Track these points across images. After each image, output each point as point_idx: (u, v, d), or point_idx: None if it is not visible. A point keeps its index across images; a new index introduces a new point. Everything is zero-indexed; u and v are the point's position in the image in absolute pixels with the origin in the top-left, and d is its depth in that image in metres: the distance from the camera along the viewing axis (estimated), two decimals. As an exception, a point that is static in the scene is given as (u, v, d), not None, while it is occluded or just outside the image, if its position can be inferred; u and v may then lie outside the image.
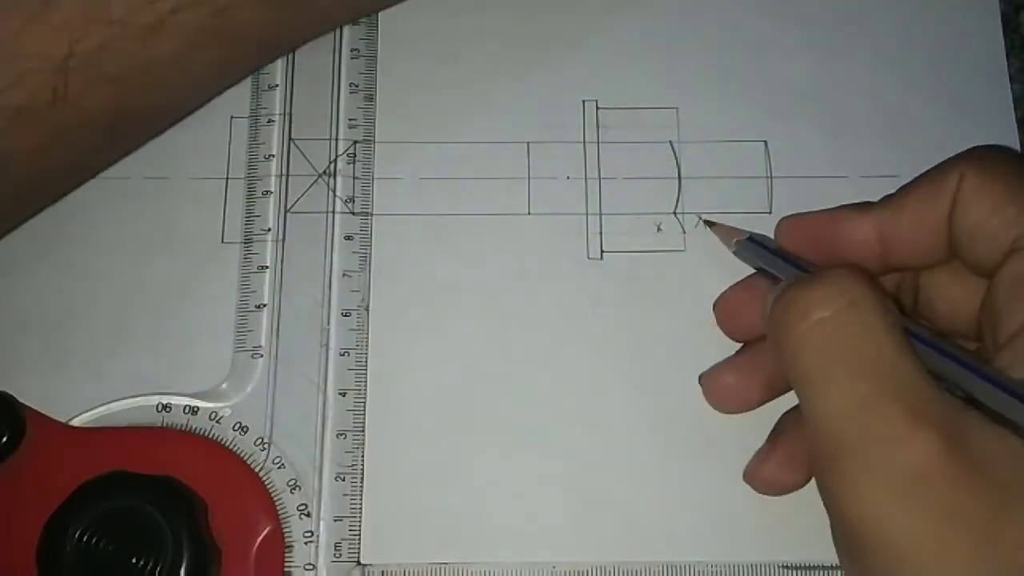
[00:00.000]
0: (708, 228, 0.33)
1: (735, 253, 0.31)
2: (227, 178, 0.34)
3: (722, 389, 0.30)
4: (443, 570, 0.31)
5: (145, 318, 0.33)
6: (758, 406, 0.30)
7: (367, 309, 0.33)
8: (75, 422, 0.31)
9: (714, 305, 0.31)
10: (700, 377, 0.31)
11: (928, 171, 0.28)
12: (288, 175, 0.34)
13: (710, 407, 0.31)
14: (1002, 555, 0.22)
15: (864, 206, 0.29)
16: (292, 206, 0.34)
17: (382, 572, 0.31)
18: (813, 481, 0.30)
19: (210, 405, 0.32)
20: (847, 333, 0.24)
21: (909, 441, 0.22)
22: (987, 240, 0.26)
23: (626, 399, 0.32)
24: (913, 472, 0.22)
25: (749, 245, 0.31)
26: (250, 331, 0.32)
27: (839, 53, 0.35)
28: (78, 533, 0.29)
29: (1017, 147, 0.34)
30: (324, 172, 0.34)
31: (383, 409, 0.32)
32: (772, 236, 0.31)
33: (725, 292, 0.31)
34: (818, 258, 0.29)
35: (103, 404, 0.32)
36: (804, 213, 0.30)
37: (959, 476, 0.22)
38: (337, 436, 0.32)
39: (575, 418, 0.32)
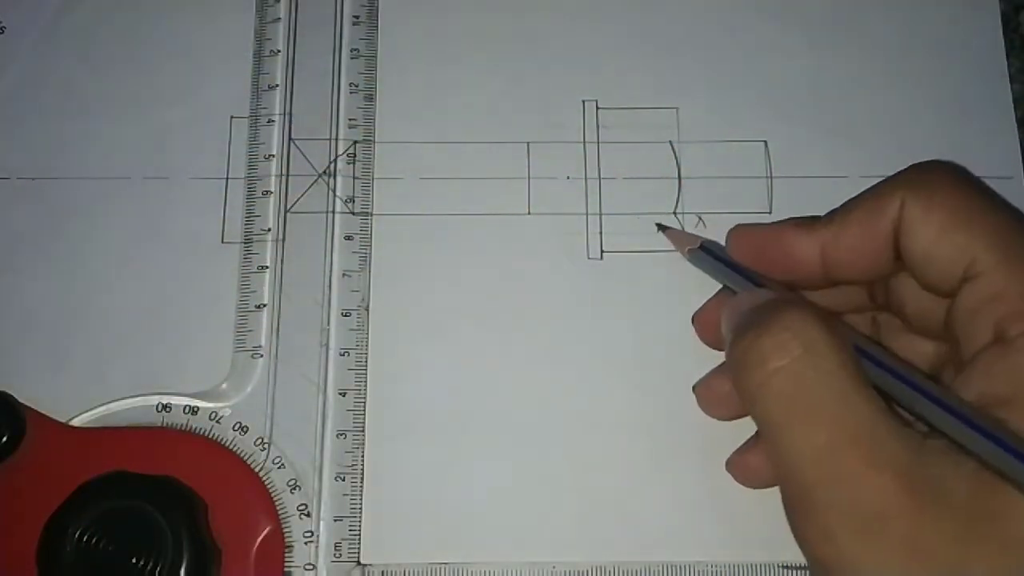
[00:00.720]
0: (661, 232, 0.33)
1: (688, 260, 0.31)
2: (227, 178, 0.34)
3: (716, 397, 0.30)
4: (443, 570, 0.31)
5: (145, 318, 0.33)
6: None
7: (367, 309, 0.33)
8: (75, 422, 0.31)
9: (692, 319, 0.31)
10: (694, 387, 0.31)
11: (867, 192, 0.27)
12: (288, 175, 0.34)
13: (710, 407, 0.31)
14: None
15: (808, 223, 0.28)
16: (292, 206, 0.34)
17: (382, 572, 0.31)
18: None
19: (210, 405, 0.32)
20: (803, 380, 0.24)
21: (867, 483, 0.23)
22: (937, 268, 0.26)
23: (626, 399, 0.32)
24: (874, 512, 0.23)
25: (700, 254, 0.31)
26: (250, 331, 0.32)
27: (839, 53, 0.35)
28: (78, 533, 0.29)
29: (1017, 147, 0.34)
30: (324, 172, 0.34)
31: (383, 409, 0.32)
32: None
33: (702, 306, 0.31)
34: (765, 270, 0.29)
35: (103, 404, 0.32)
36: (752, 225, 0.30)
37: (921, 509, 0.22)
38: (337, 436, 0.32)
39: (575, 418, 0.32)
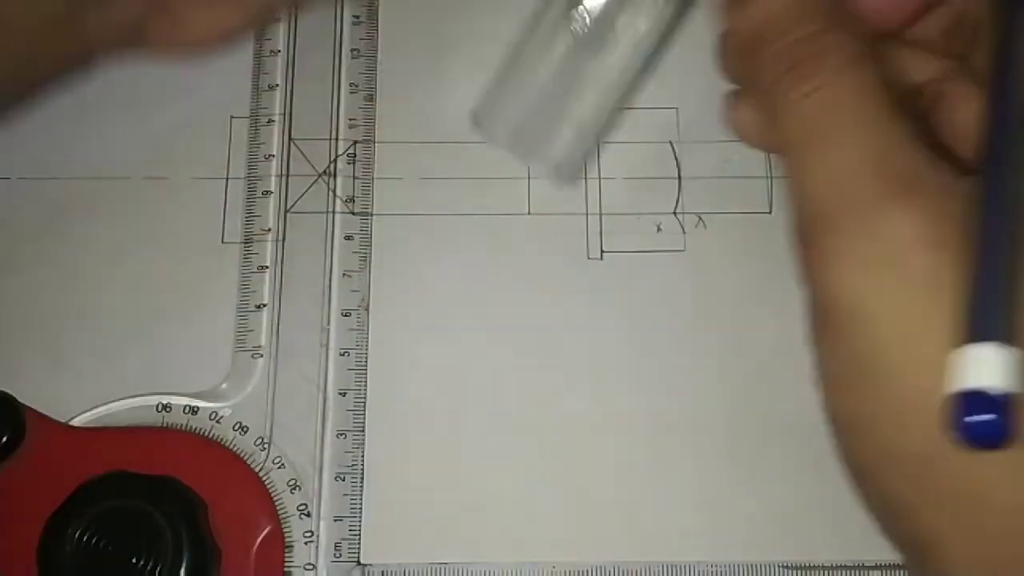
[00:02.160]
0: None
1: None
2: (227, 178, 0.34)
3: (738, 115, 0.27)
4: (443, 570, 0.31)
5: (145, 318, 0.33)
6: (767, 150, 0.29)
7: (367, 309, 0.33)
8: (75, 422, 0.31)
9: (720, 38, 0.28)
10: (724, 95, 0.28)
11: None
12: (288, 175, 0.34)
13: (710, 407, 0.31)
14: None
15: None
16: (292, 206, 0.34)
17: (382, 572, 0.31)
18: (811, 483, 0.30)
19: (210, 405, 0.32)
20: (839, 95, 0.22)
21: (893, 210, 0.21)
22: None
23: (626, 399, 0.32)
24: (896, 241, 0.21)
25: None
26: (250, 331, 0.32)
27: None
28: (78, 533, 0.29)
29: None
30: (324, 172, 0.34)
31: (383, 409, 0.32)
32: (773, 234, 0.31)
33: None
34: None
35: (103, 404, 0.32)
36: None
37: (945, 245, 0.21)
38: (337, 436, 0.32)
39: (575, 418, 0.32)
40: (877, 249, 0.21)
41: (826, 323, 0.22)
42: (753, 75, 0.25)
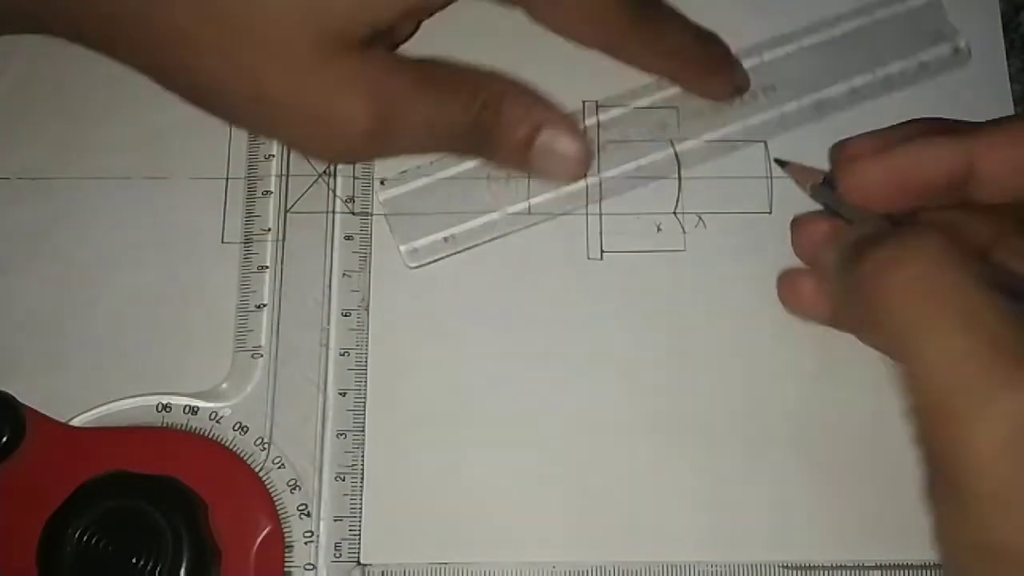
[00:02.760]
0: (781, 168, 0.32)
1: (811, 196, 0.30)
2: (227, 178, 0.34)
3: (797, 290, 0.30)
4: (443, 570, 0.31)
5: (145, 318, 0.33)
6: (822, 323, 0.30)
7: (367, 309, 0.33)
8: (75, 422, 0.31)
9: (792, 224, 0.31)
10: (781, 274, 0.31)
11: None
12: (288, 175, 0.34)
13: (710, 407, 0.31)
14: None
15: (951, 130, 0.27)
16: (292, 206, 0.34)
17: (382, 572, 0.31)
18: (811, 483, 0.30)
19: (210, 405, 0.32)
20: (939, 288, 0.23)
21: (1018, 385, 0.22)
22: None
23: (626, 399, 0.32)
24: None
25: (824, 189, 0.29)
26: (250, 331, 0.32)
27: (839, 53, 0.35)
28: (78, 533, 0.29)
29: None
30: (324, 172, 0.34)
31: (383, 409, 0.32)
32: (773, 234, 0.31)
33: (805, 217, 0.30)
34: (905, 188, 0.27)
35: (103, 404, 0.32)
36: (873, 141, 0.28)
37: None
38: (337, 436, 0.32)
39: (575, 418, 0.32)
40: (1008, 422, 0.22)
41: (952, 496, 0.23)
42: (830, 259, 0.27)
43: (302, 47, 0.28)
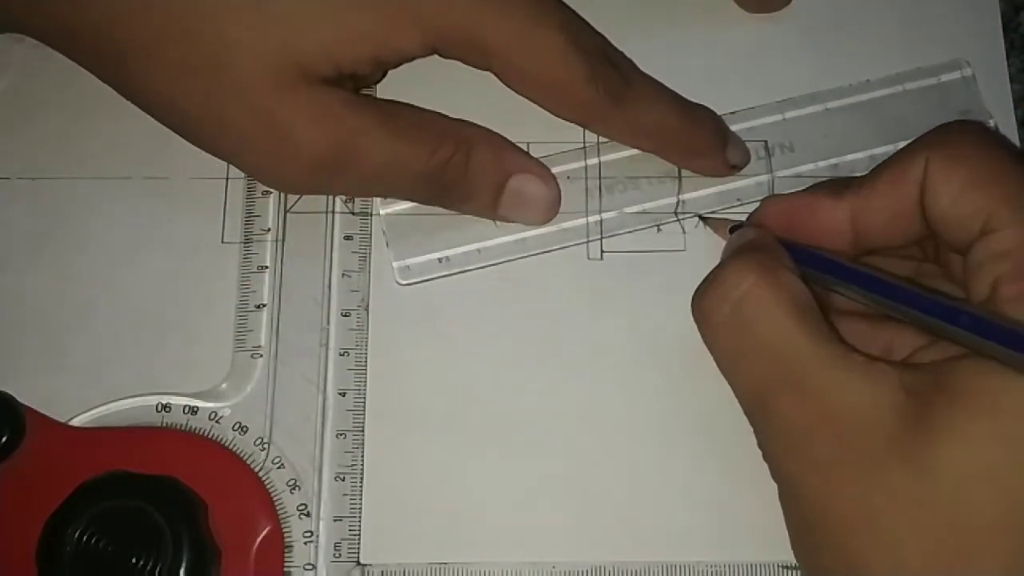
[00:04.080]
0: (703, 223, 0.33)
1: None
2: (227, 178, 0.34)
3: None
4: (443, 570, 0.31)
5: (145, 318, 0.33)
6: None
7: (367, 309, 0.33)
8: (75, 422, 0.31)
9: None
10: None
11: (894, 155, 0.28)
12: (288, 175, 0.34)
13: (711, 407, 0.31)
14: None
15: (839, 190, 0.28)
16: (292, 206, 0.34)
17: (382, 572, 0.31)
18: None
19: (210, 405, 0.32)
20: (742, 328, 0.27)
21: (789, 411, 0.26)
22: (956, 226, 0.26)
23: (626, 399, 0.32)
24: (799, 433, 0.26)
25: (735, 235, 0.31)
26: (250, 331, 0.32)
27: (839, 53, 0.35)
28: (78, 533, 0.29)
29: (1017, 147, 0.34)
30: (324, 172, 0.34)
31: (383, 409, 0.32)
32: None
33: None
34: (797, 239, 0.29)
35: (103, 404, 0.32)
36: (783, 196, 0.31)
37: (839, 435, 0.25)
38: (337, 436, 0.32)
39: (575, 418, 0.32)
40: (788, 441, 0.27)
41: (787, 508, 0.27)
42: None
43: (262, 76, 0.28)
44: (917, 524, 0.24)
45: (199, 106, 0.29)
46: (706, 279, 0.28)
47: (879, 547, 0.24)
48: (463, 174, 0.31)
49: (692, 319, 0.32)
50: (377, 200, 0.34)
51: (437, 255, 0.33)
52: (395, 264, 0.33)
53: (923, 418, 0.24)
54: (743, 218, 0.32)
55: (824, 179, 0.33)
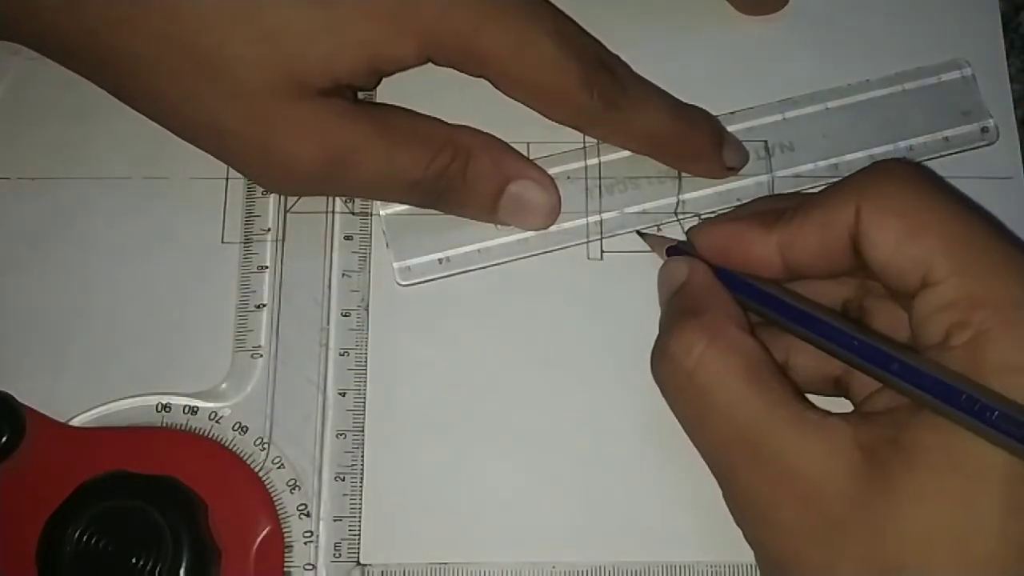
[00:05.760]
0: (643, 239, 0.33)
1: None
2: (227, 178, 0.34)
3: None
4: (443, 570, 0.31)
5: (145, 318, 0.33)
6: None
7: (367, 309, 0.33)
8: (75, 422, 0.31)
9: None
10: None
11: (824, 194, 0.27)
12: (288, 175, 0.34)
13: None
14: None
15: (769, 222, 0.28)
16: (292, 206, 0.34)
17: (382, 572, 0.31)
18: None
19: (210, 405, 0.32)
20: (696, 395, 0.27)
21: (748, 479, 0.26)
22: (896, 276, 0.26)
23: (626, 399, 0.32)
24: (761, 505, 0.26)
25: (677, 253, 0.31)
26: (250, 331, 0.32)
27: (839, 53, 0.35)
28: (78, 533, 0.29)
29: (1017, 147, 0.34)
30: (324, 172, 0.34)
31: (383, 409, 0.32)
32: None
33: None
34: (728, 265, 0.29)
35: (103, 404, 0.32)
36: (713, 222, 0.30)
37: (800, 497, 0.25)
38: (337, 436, 0.32)
39: (575, 418, 0.32)
40: (752, 511, 0.27)
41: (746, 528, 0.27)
42: None
43: (259, 87, 0.29)
44: None
45: (197, 112, 0.30)
46: (657, 344, 0.29)
47: None
48: (461, 181, 0.31)
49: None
50: (377, 200, 0.34)
51: (437, 256, 0.33)
52: (395, 265, 0.33)
53: (879, 479, 0.24)
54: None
55: (824, 180, 0.34)
